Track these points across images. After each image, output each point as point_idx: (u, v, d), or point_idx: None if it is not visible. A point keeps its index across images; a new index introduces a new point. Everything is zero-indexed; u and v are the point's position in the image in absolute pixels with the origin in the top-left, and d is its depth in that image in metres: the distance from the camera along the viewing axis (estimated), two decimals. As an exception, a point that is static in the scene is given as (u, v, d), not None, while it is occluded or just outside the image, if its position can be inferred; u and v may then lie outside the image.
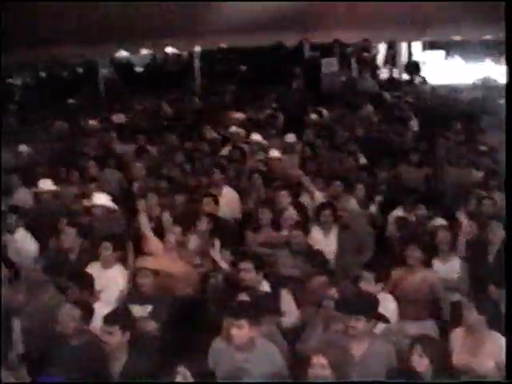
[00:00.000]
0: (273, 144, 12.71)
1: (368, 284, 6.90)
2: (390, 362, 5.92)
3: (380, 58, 25.17)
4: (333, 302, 6.50)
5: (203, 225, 8.76)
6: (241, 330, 5.82)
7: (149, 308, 7.26)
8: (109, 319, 6.18)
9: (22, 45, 19.34)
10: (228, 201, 10.35)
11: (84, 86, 25.41)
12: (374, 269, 7.04)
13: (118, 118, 16.66)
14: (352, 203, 9.60)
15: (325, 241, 8.89)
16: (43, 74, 31.08)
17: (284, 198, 9.52)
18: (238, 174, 11.79)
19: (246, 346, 5.91)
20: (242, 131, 13.88)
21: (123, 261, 8.33)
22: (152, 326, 7.08)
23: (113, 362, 6.12)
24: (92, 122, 15.60)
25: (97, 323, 6.67)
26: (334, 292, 6.80)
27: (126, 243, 8.93)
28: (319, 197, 9.94)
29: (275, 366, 5.95)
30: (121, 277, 7.95)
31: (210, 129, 14.33)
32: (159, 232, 8.76)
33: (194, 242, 8.76)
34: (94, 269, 7.85)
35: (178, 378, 5.34)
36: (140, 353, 6.18)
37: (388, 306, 6.85)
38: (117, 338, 6.04)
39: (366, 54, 24.11)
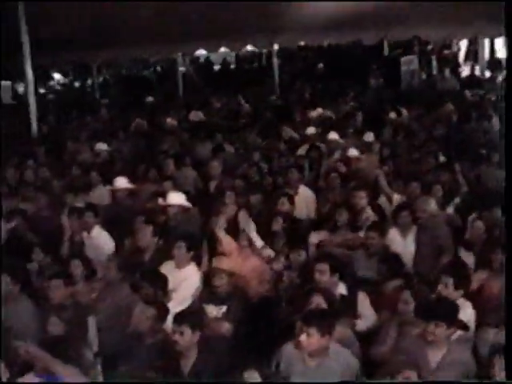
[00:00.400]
0: (350, 143, 12.54)
1: (446, 289, 6.70)
2: (468, 370, 5.74)
3: (461, 55, 24.70)
4: (410, 306, 6.34)
5: (278, 224, 8.68)
6: (310, 338, 5.74)
7: (223, 309, 7.24)
8: (179, 319, 6.16)
9: (103, 44, 19.73)
10: (304, 200, 10.24)
11: (163, 84, 25.69)
12: (454, 273, 6.84)
13: (196, 116, 16.73)
14: (431, 204, 9.36)
15: (403, 243, 8.69)
16: (123, 73, 31.61)
17: (361, 198, 9.35)
18: (314, 174, 11.71)
19: (318, 352, 5.82)
20: (319, 130, 13.74)
21: (198, 261, 8.33)
22: (226, 327, 7.06)
23: (182, 361, 6.10)
24: (170, 121, 15.67)
25: (170, 322, 6.71)
26: (410, 296, 6.62)
27: (201, 243, 8.95)
28: (397, 198, 9.76)
29: (349, 371, 5.83)
30: (195, 276, 7.92)
31: (287, 127, 14.22)
32: (234, 231, 8.71)
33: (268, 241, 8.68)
34: (167, 268, 7.86)
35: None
36: (210, 353, 6.14)
37: (466, 311, 6.64)
38: (186, 338, 6.02)
39: (446, 52, 23.70)
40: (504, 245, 6.55)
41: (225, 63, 30.91)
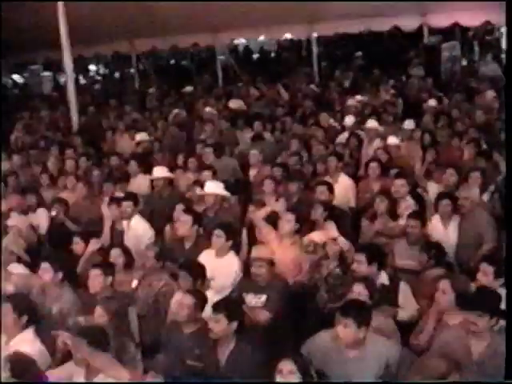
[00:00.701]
0: (390, 131, 12.42)
1: (486, 277, 6.61)
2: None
3: (503, 40, 24.32)
4: (448, 296, 6.25)
5: (317, 213, 8.63)
6: (347, 330, 5.68)
7: (262, 298, 7.20)
8: (216, 307, 6.14)
9: (142, 34, 19.81)
10: (343, 189, 10.17)
11: (202, 73, 25.69)
12: (495, 262, 6.73)
13: (236, 103, 16.70)
14: (473, 192, 9.23)
15: (444, 232, 8.58)
16: (162, 63, 31.70)
17: (402, 186, 9.24)
18: (354, 162, 11.63)
19: (355, 343, 5.76)
20: (358, 118, 13.63)
21: (236, 249, 8.32)
22: (265, 315, 7.03)
23: (220, 349, 6.09)
24: (209, 110, 15.67)
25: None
26: (449, 286, 6.52)
27: (240, 231, 8.94)
28: (436, 186, 9.65)
29: (388, 362, 5.77)
30: (234, 265, 7.91)
31: (326, 115, 14.13)
32: (273, 220, 8.67)
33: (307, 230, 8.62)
34: (206, 257, 7.87)
35: (284, 372, 5.26)
36: (248, 342, 6.13)
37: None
38: (222, 326, 6.00)
39: (488, 37, 23.37)
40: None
41: (263, 52, 30.85)
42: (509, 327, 5.35)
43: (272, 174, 10.32)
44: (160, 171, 10.55)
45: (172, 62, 32.16)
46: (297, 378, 5.24)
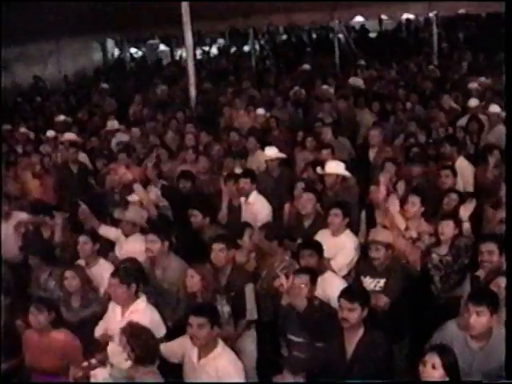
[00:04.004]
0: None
1: None
2: None
3: None
4: None
5: (451, 201, 8.39)
6: (481, 318, 5.46)
7: (381, 282, 7.04)
8: (348, 295, 5.96)
9: (258, 11, 19.83)
10: (461, 173, 9.80)
11: (318, 51, 25.56)
12: None
13: (356, 81, 16.54)
14: None
15: None
16: (279, 39, 31.67)
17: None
18: (474, 146, 11.30)
19: (482, 334, 5.55)
20: (481, 102, 13.22)
21: (355, 231, 8.21)
22: (384, 301, 6.87)
23: (348, 337, 5.96)
24: (327, 87, 15.54)
25: (328, 292, 6.67)
26: None
27: (359, 213, 8.83)
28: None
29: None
30: (351, 244, 7.79)
31: (448, 98, 13.77)
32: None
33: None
34: (322, 237, 7.76)
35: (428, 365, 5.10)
36: (375, 330, 5.99)
37: None
38: (357, 314, 5.87)
39: None
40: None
41: (380, 31, 30.42)
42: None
43: (392, 156, 10.11)
44: (272, 151, 10.49)
45: (288, 39, 32.07)
46: (440, 372, 5.06)
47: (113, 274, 6.70)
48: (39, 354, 6.47)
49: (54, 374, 6.35)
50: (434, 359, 5.04)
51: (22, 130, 14.54)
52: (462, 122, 12.41)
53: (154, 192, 9.85)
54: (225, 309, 6.79)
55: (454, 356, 5.15)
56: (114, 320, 6.61)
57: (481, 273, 6.73)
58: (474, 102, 12.92)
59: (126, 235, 8.30)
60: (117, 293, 6.56)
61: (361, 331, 5.92)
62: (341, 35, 24.89)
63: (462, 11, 22.50)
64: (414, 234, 7.90)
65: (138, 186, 9.36)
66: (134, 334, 5.72)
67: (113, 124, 14.18)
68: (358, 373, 5.75)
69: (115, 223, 8.66)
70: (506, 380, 5.14)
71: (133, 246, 7.98)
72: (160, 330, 6.46)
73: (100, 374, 5.57)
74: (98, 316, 6.96)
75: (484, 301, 5.50)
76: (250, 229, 8.01)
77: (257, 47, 25.15)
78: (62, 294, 7.37)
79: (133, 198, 9.16)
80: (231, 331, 6.81)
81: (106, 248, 8.26)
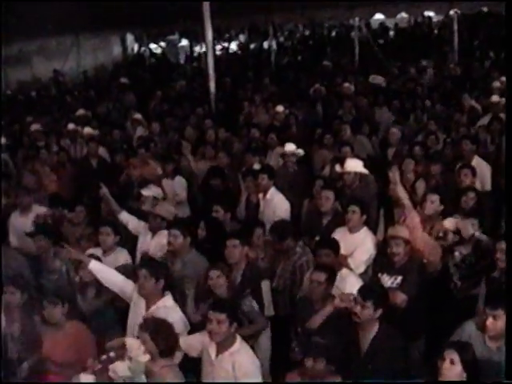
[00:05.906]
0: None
1: None
2: None
3: None
4: None
5: (469, 200, 8.35)
6: (497, 321, 5.48)
7: (398, 279, 7.00)
8: (363, 293, 6.00)
9: (277, 8, 19.82)
10: (478, 172, 9.76)
11: (338, 49, 25.51)
12: None
13: (376, 79, 16.49)
14: None
15: None
16: (298, 36, 31.60)
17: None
18: (495, 146, 11.22)
19: (501, 335, 5.54)
20: (502, 100, 13.14)
21: (373, 230, 8.19)
22: (402, 298, 6.83)
23: (362, 334, 5.99)
24: (347, 85, 15.51)
25: (343, 289, 6.67)
26: None
27: (378, 211, 8.81)
28: None
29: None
30: (368, 241, 7.76)
31: (468, 97, 13.70)
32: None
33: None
34: (339, 234, 7.75)
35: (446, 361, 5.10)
36: (391, 327, 6.01)
37: None
38: (369, 312, 5.90)
39: None
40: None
41: (399, 29, 30.31)
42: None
43: (412, 154, 10.10)
44: (290, 147, 10.47)
45: (308, 36, 32.02)
46: (458, 368, 5.09)
47: (142, 265, 6.71)
48: (54, 347, 6.48)
49: (70, 367, 6.32)
50: (452, 355, 5.06)
51: (35, 126, 14.31)
52: (484, 121, 12.35)
53: (172, 186, 9.89)
54: (253, 304, 6.80)
55: (472, 353, 5.18)
56: (136, 313, 6.61)
57: (497, 273, 6.72)
58: (495, 98, 12.83)
59: (154, 231, 8.29)
60: (145, 285, 6.51)
61: (375, 328, 5.94)
62: (359, 32, 24.83)
63: (484, 9, 22.38)
64: (440, 233, 7.87)
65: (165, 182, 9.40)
66: (159, 329, 5.71)
67: (137, 116, 14.25)
68: (372, 369, 5.77)
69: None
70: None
71: (159, 242, 7.99)
72: (187, 328, 6.47)
73: (119, 367, 5.56)
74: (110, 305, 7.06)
75: (500, 305, 5.49)
76: (259, 228, 8.01)
77: (275, 44, 25.04)
78: (70, 276, 7.54)
79: (148, 192, 9.15)
80: (258, 327, 6.83)
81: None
